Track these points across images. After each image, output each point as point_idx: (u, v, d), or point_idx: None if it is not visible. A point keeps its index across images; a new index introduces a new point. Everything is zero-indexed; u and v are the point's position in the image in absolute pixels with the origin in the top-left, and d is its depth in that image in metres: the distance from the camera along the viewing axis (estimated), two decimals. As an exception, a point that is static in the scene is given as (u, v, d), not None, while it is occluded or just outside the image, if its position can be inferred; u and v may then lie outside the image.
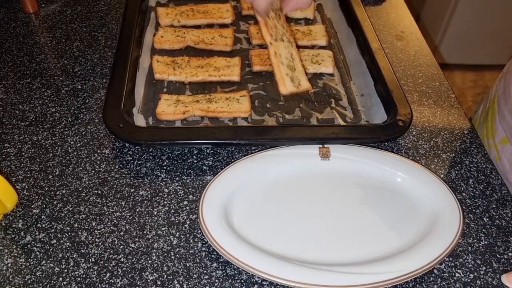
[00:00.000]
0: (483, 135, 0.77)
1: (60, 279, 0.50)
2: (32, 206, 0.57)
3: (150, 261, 0.52)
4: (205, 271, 0.51)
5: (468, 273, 0.52)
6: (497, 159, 0.72)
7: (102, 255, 0.52)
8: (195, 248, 0.53)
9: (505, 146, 0.71)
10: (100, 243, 0.53)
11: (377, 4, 0.94)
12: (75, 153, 0.63)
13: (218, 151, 0.64)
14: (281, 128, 0.64)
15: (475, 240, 0.56)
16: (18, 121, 0.67)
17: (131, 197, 0.58)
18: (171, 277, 0.50)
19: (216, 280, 0.50)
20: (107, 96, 0.65)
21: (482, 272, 0.53)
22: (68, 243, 0.53)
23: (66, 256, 0.52)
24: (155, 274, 0.51)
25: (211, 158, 0.63)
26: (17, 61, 0.77)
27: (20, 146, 0.63)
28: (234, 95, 0.68)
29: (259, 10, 0.58)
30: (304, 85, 0.60)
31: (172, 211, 0.57)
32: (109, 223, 0.55)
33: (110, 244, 0.53)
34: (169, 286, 0.50)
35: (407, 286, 0.51)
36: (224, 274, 0.51)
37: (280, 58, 0.58)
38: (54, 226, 0.55)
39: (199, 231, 0.55)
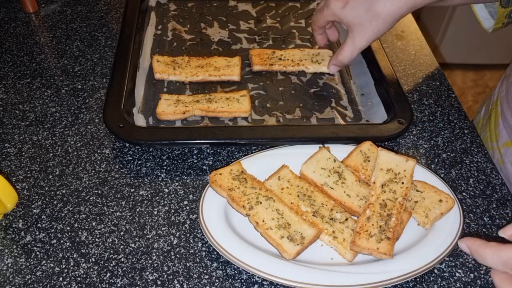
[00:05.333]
0: (486, 137, 0.76)
1: (60, 279, 0.50)
2: (32, 206, 0.57)
3: (150, 261, 0.52)
4: (205, 271, 0.51)
5: (468, 272, 0.52)
6: (500, 162, 0.71)
7: (102, 255, 0.52)
8: (195, 248, 0.53)
9: (509, 149, 0.70)
10: (100, 243, 0.53)
11: (377, 3, 0.94)
12: (75, 153, 0.63)
13: (218, 151, 0.64)
14: (281, 128, 0.64)
15: (476, 240, 0.55)
16: (18, 121, 0.67)
17: (131, 197, 0.58)
18: (171, 277, 0.50)
19: (216, 280, 0.50)
20: (107, 96, 0.65)
21: (482, 272, 0.53)
22: (68, 243, 0.53)
23: (66, 256, 0.52)
24: (155, 274, 0.51)
25: (211, 158, 0.63)
26: (17, 61, 0.77)
27: (20, 146, 0.63)
28: (234, 95, 0.68)
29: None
30: (309, 234, 0.51)
31: (172, 211, 0.57)
32: (109, 223, 0.55)
33: (110, 244, 0.53)
34: (169, 286, 0.50)
35: (408, 285, 0.51)
36: (224, 274, 0.51)
37: (265, 225, 0.51)
38: (54, 226, 0.55)
39: (199, 231, 0.55)
